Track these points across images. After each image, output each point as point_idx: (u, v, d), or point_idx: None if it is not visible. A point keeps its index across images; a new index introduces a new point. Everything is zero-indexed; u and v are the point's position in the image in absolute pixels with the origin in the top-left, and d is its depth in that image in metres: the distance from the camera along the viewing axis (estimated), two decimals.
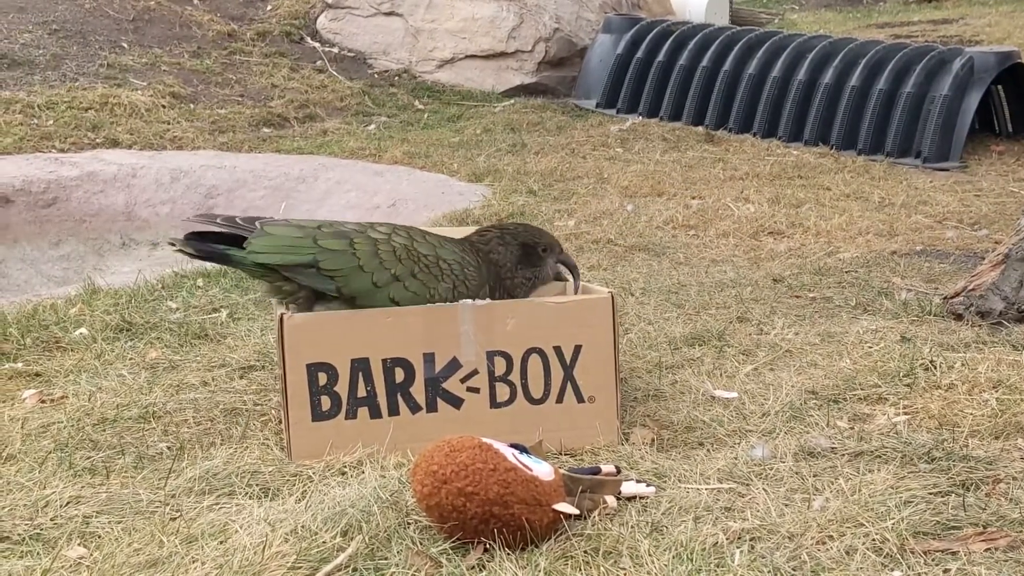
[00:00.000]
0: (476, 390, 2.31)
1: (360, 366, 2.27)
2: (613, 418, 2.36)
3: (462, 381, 2.31)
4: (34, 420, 2.49)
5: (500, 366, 2.32)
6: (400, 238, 2.40)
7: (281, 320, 2.24)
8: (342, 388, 2.27)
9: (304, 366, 2.25)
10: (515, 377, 2.33)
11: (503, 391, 2.33)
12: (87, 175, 5.24)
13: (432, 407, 2.30)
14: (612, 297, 2.36)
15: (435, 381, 2.30)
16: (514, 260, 2.52)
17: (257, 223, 2.36)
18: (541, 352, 2.34)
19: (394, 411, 2.29)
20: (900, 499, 1.99)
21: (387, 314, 2.28)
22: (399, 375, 2.28)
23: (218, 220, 2.36)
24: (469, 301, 2.31)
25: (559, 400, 2.35)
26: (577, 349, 2.34)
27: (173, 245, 2.31)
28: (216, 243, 2.33)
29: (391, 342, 2.27)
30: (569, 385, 2.35)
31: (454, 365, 2.30)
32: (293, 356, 2.24)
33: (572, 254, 3.90)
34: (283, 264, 2.30)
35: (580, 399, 2.35)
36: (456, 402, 2.31)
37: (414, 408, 2.30)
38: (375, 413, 2.28)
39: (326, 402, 2.26)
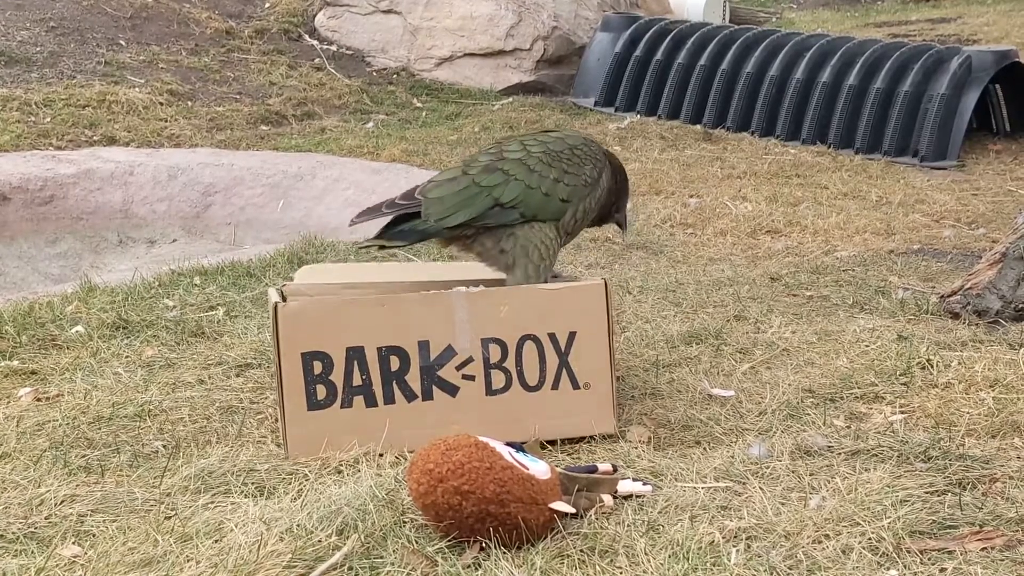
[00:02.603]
0: (471, 377, 2.31)
1: (355, 354, 2.27)
2: (609, 404, 2.36)
3: (457, 369, 2.31)
4: (29, 418, 2.49)
5: (495, 353, 2.32)
6: (535, 146, 2.52)
7: (276, 309, 2.24)
8: (337, 377, 2.27)
9: (299, 355, 2.24)
10: (510, 364, 2.33)
11: (498, 378, 2.33)
12: (84, 173, 5.23)
13: (428, 395, 2.30)
14: (605, 283, 2.37)
15: (430, 369, 2.30)
16: (607, 191, 2.62)
17: (416, 194, 2.44)
18: (536, 339, 2.34)
19: (390, 399, 2.29)
20: (896, 498, 1.99)
21: (381, 302, 2.29)
22: (394, 363, 2.28)
23: (383, 209, 2.45)
24: (463, 288, 2.32)
25: (554, 387, 2.35)
26: (571, 336, 2.35)
27: (367, 250, 2.38)
28: (391, 226, 2.45)
29: (386, 330, 2.28)
30: (564, 372, 2.36)
31: (449, 352, 2.30)
32: (288, 345, 2.24)
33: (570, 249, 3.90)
34: (473, 217, 2.41)
35: (575, 386, 2.36)
36: (452, 390, 2.31)
37: (410, 396, 2.30)
38: (371, 402, 2.28)
39: (321, 391, 2.26)
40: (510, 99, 7.02)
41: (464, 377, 2.31)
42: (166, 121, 6.11)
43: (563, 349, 2.35)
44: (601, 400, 2.36)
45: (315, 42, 7.80)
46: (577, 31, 7.40)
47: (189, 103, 6.46)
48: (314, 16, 8.00)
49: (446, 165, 5.43)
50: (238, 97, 6.70)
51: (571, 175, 2.50)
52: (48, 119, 5.89)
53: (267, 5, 8.21)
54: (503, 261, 2.46)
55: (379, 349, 2.28)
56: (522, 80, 7.28)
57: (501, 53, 7.31)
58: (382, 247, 2.46)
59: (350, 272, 2.83)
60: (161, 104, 6.30)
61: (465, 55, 7.41)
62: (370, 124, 6.46)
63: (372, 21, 7.74)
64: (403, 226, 2.43)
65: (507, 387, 2.33)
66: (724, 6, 9.92)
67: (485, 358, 2.32)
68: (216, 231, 5.16)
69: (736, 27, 6.80)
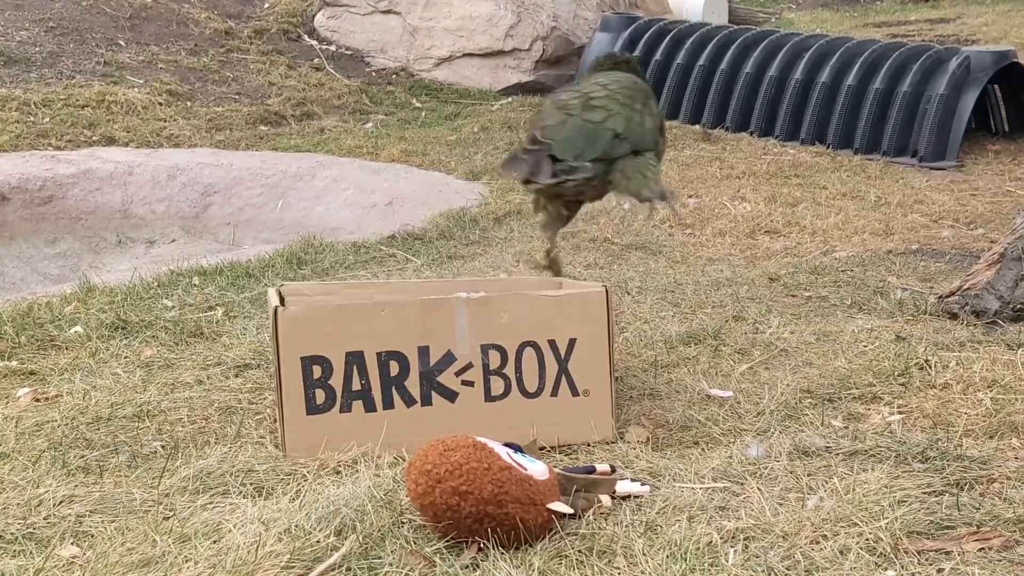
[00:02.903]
0: (471, 383, 2.31)
1: (355, 359, 2.27)
2: (608, 412, 2.36)
3: (457, 374, 2.31)
4: (28, 419, 2.49)
5: (495, 359, 2.32)
6: (613, 85, 2.61)
7: (275, 312, 2.24)
8: (336, 381, 2.27)
9: (298, 359, 2.24)
10: (510, 371, 2.33)
11: (497, 385, 2.33)
12: (83, 173, 5.23)
13: (427, 400, 2.30)
14: (607, 290, 2.36)
15: (430, 374, 2.30)
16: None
17: (540, 139, 2.51)
18: (535, 345, 2.34)
19: (389, 405, 2.29)
20: (894, 498, 1.99)
21: (382, 307, 2.29)
22: (394, 368, 2.28)
23: (520, 155, 2.53)
24: (463, 294, 2.32)
25: (554, 394, 2.35)
26: (571, 343, 2.35)
27: (529, 182, 2.51)
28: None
29: (386, 335, 2.27)
30: (564, 379, 2.36)
31: (449, 358, 2.30)
32: (287, 349, 2.24)
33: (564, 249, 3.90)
34: (604, 151, 2.48)
35: (575, 393, 2.35)
36: (451, 396, 2.31)
37: (409, 402, 2.30)
38: (370, 407, 2.28)
39: (320, 395, 2.26)
40: (509, 99, 7.02)
41: (463, 383, 2.31)
42: (165, 121, 6.11)
43: (563, 356, 2.35)
44: (600, 407, 2.36)
45: (314, 42, 7.80)
46: (576, 31, 7.41)
47: (188, 103, 6.46)
48: (313, 16, 8.00)
49: (445, 165, 5.44)
50: (237, 97, 6.70)
51: (648, 107, 2.61)
52: (47, 119, 5.89)
53: (266, 5, 8.22)
54: (633, 175, 2.51)
55: (379, 354, 2.28)
56: (521, 80, 7.28)
57: (500, 53, 7.31)
58: (561, 183, 2.49)
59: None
60: (160, 104, 6.31)
61: (464, 55, 7.41)
62: (369, 124, 6.46)
63: (371, 21, 7.74)
64: (557, 167, 2.47)
65: (506, 393, 2.33)
66: (726, 7, 9.92)
67: (485, 364, 2.31)
68: (215, 231, 5.16)
69: (735, 27, 6.80)
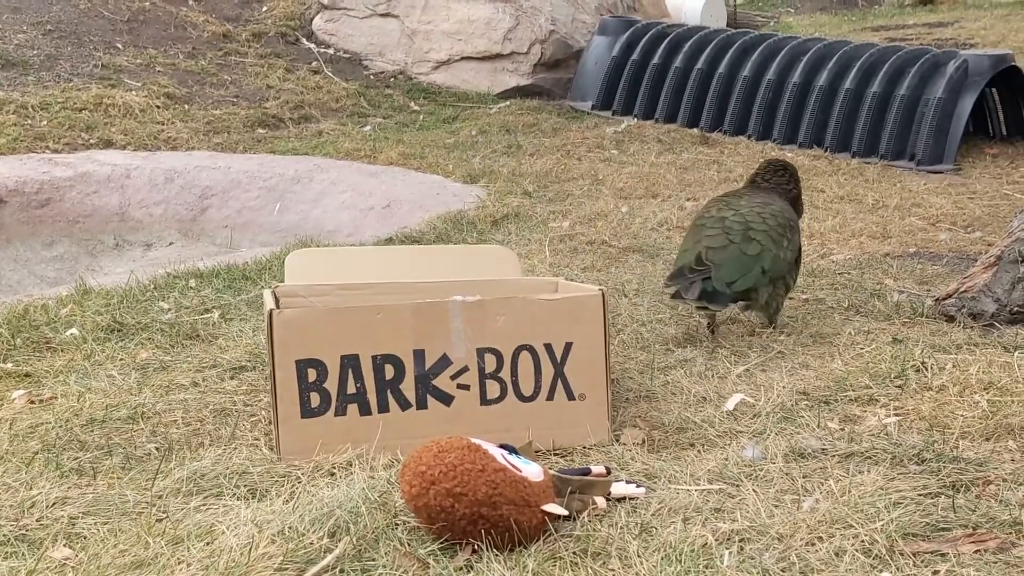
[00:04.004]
0: (466, 387, 2.30)
1: (350, 362, 2.26)
2: (604, 416, 2.35)
3: (452, 378, 2.30)
4: (22, 420, 2.48)
5: (490, 363, 2.31)
6: (770, 219, 2.98)
7: (271, 316, 2.23)
8: (332, 385, 2.26)
9: (293, 362, 2.23)
10: (506, 374, 2.32)
11: (493, 388, 2.32)
12: (81, 176, 5.23)
13: (422, 404, 2.29)
14: (603, 294, 2.35)
15: (425, 378, 2.29)
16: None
17: (705, 260, 2.90)
18: (532, 349, 2.33)
19: (384, 408, 2.28)
20: (890, 500, 1.99)
21: (377, 310, 2.28)
22: (389, 372, 2.27)
23: (687, 274, 2.89)
24: (459, 297, 2.31)
25: (550, 398, 2.34)
26: (568, 346, 2.34)
27: (681, 299, 2.90)
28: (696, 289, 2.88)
29: (381, 338, 2.26)
30: (560, 383, 2.34)
31: (444, 362, 2.29)
32: (282, 352, 2.23)
33: (566, 253, 3.90)
34: (752, 285, 2.91)
35: (571, 397, 2.34)
36: (446, 399, 2.30)
37: (404, 405, 2.29)
38: (365, 410, 2.27)
39: (315, 399, 2.25)
40: (507, 102, 7.02)
41: (459, 387, 2.30)
42: (163, 124, 6.11)
43: (559, 360, 2.34)
44: (596, 410, 2.35)
45: (312, 45, 7.80)
46: (574, 34, 7.41)
47: (186, 106, 6.46)
48: (311, 19, 8.00)
49: (443, 168, 5.44)
50: (235, 100, 6.70)
51: (790, 241, 3.01)
52: (45, 122, 5.89)
53: (264, 8, 8.22)
54: (762, 306, 2.97)
55: (374, 357, 2.26)
56: (519, 83, 7.28)
57: (498, 56, 7.32)
58: (703, 308, 2.92)
59: (341, 261, 2.82)
60: (158, 107, 6.30)
61: (462, 58, 7.42)
62: (367, 127, 6.46)
63: (369, 24, 7.74)
64: (704, 286, 2.85)
65: (502, 397, 2.32)
66: (725, 10, 9.93)
67: (480, 368, 2.30)
68: (212, 234, 5.16)
69: (733, 31, 6.81)
